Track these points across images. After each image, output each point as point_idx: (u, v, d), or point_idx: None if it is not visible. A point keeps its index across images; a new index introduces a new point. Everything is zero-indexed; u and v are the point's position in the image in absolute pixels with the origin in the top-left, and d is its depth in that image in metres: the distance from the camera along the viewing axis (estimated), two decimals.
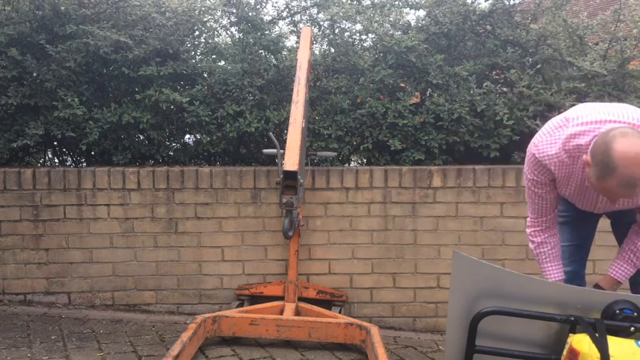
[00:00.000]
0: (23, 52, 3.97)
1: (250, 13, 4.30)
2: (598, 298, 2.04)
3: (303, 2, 4.68)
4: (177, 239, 3.91)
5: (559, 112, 3.83)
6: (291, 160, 2.86)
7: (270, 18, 4.64)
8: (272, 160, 4.10)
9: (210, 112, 4.07)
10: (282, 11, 4.73)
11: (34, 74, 4.03)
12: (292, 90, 3.31)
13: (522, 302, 2.05)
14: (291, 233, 3.06)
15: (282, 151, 3.22)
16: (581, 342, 1.95)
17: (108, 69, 4.19)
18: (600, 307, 2.02)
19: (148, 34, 4.10)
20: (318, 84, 4.23)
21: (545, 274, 2.38)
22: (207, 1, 4.49)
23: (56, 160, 4.71)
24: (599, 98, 3.82)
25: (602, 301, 2.03)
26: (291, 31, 4.61)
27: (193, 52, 4.49)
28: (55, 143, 4.48)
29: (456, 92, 3.98)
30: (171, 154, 4.32)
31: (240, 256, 3.92)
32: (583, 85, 3.83)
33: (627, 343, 1.92)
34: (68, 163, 4.60)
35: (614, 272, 2.22)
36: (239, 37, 4.47)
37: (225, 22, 4.63)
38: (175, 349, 2.87)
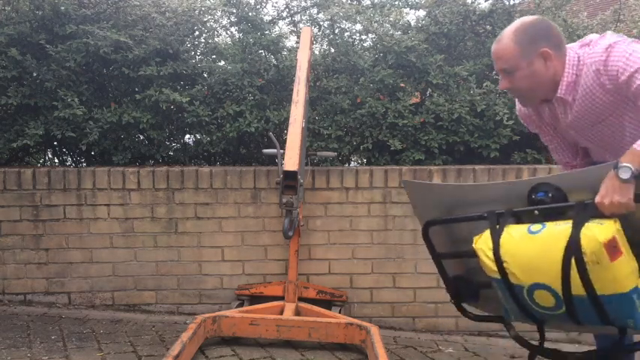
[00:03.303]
0: (23, 52, 3.97)
1: (250, 13, 4.30)
2: (522, 187, 1.97)
3: (303, 2, 4.68)
4: (177, 239, 3.91)
5: None
6: (291, 160, 2.87)
7: (270, 18, 4.64)
8: (272, 160, 4.10)
9: (210, 112, 4.07)
10: (282, 11, 4.73)
11: (34, 74, 4.03)
12: (292, 90, 3.31)
13: (465, 208, 2.09)
14: (291, 233, 3.06)
15: (282, 151, 3.22)
16: (478, 238, 1.98)
17: (108, 69, 4.20)
18: (525, 196, 1.98)
19: (148, 34, 4.11)
20: (318, 84, 4.23)
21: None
22: (207, 1, 4.49)
23: (56, 160, 4.71)
24: None
25: (526, 189, 1.97)
26: (291, 31, 4.62)
27: (193, 52, 4.49)
28: (55, 143, 4.48)
29: (456, 92, 3.98)
30: (171, 154, 4.32)
31: (240, 256, 3.92)
32: None
33: (519, 229, 1.88)
34: (68, 163, 4.60)
35: (637, 142, 1.75)
36: (239, 37, 4.48)
37: (225, 22, 4.64)
38: (175, 349, 2.87)
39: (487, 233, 1.94)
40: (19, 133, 4.03)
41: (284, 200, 2.84)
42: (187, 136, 4.40)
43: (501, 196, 2.00)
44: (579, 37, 4.10)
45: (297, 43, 4.16)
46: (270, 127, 4.06)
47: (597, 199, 1.73)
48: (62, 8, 4.02)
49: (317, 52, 4.41)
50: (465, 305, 2.31)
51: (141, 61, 4.05)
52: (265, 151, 3.83)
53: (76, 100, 3.94)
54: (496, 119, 3.88)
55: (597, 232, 1.69)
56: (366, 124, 4.06)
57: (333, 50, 4.33)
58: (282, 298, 3.68)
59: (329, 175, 3.90)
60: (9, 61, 3.96)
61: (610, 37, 1.92)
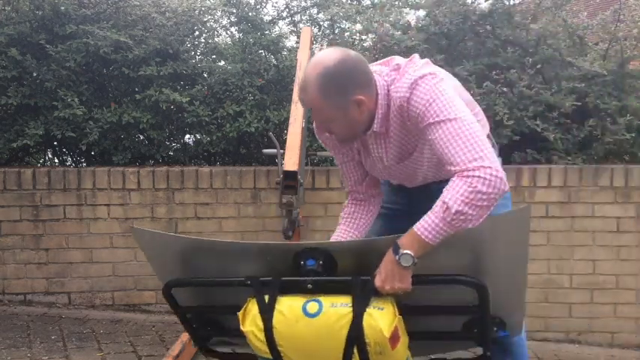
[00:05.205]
0: (23, 52, 3.97)
1: (250, 13, 4.30)
2: (288, 250, 1.76)
3: (303, 2, 4.69)
4: None
5: (559, 112, 3.84)
6: (291, 160, 2.87)
7: (270, 18, 4.65)
8: (272, 160, 4.09)
9: (210, 112, 4.07)
10: (282, 11, 4.74)
11: (34, 74, 4.03)
12: (292, 90, 3.31)
13: (218, 266, 1.80)
14: (291, 233, 3.06)
15: (282, 151, 3.22)
16: (244, 315, 1.71)
17: (108, 69, 4.20)
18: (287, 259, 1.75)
19: (148, 34, 4.11)
20: None
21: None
22: (207, 1, 4.49)
23: (56, 160, 4.71)
24: (600, 98, 3.82)
25: (292, 254, 1.74)
26: (291, 31, 4.62)
27: (193, 52, 4.49)
28: (55, 143, 4.48)
29: None
30: (171, 154, 4.32)
31: None
32: (583, 85, 3.83)
33: (292, 309, 1.66)
34: (68, 163, 4.60)
35: (417, 224, 1.65)
36: (239, 37, 4.48)
37: (225, 22, 4.65)
38: (175, 349, 2.87)
39: (255, 310, 1.68)
40: (19, 133, 4.03)
41: (284, 200, 2.84)
42: (187, 136, 4.40)
43: (258, 257, 1.77)
44: (579, 37, 4.10)
45: (297, 43, 4.16)
46: (270, 127, 4.06)
47: (378, 283, 1.64)
48: (62, 8, 4.02)
49: (317, 52, 4.40)
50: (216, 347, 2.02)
51: (141, 61, 4.05)
52: (265, 151, 3.82)
53: (76, 100, 3.94)
54: (496, 119, 3.87)
55: (381, 323, 1.60)
56: None
57: None
58: None
59: (329, 175, 3.90)
60: (9, 61, 3.96)
61: (418, 66, 1.78)
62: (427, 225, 1.61)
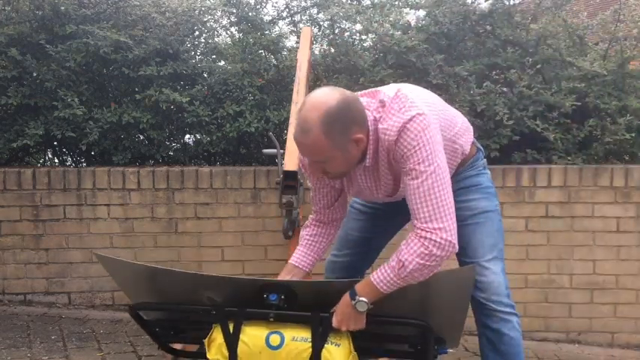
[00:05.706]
0: (23, 52, 3.98)
1: (250, 13, 4.30)
2: (253, 284, 1.88)
3: (303, 2, 4.68)
4: (177, 239, 3.91)
5: (559, 112, 3.85)
6: (291, 160, 2.87)
7: (270, 18, 4.65)
8: (272, 160, 4.09)
9: (210, 112, 4.07)
10: (282, 11, 4.74)
11: (34, 74, 4.03)
12: (292, 90, 3.31)
13: (185, 291, 1.93)
14: (291, 233, 3.06)
15: (282, 151, 3.22)
16: (209, 343, 1.84)
17: (108, 69, 4.20)
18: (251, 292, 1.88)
19: (148, 34, 4.11)
20: (318, 84, 4.23)
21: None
22: (207, 1, 4.49)
23: (56, 160, 4.72)
24: (600, 98, 3.82)
25: (255, 288, 1.87)
26: (291, 31, 4.62)
27: (193, 52, 4.49)
28: (55, 143, 4.48)
29: (456, 92, 3.97)
30: (171, 154, 4.32)
31: (240, 256, 3.92)
32: (583, 85, 3.83)
33: (256, 340, 1.79)
34: (68, 163, 4.60)
35: (374, 275, 1.81)
36: (239, 37, 4.48)
37: (225, 22, 4.64)
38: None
39: (220, 339, 1.81)
40: (19, 133, 4.03)
41: (284, 200, 2.84)
42: (187, 136, 4.40)
43: (224, 288, 1.88)
44: (579, 37, 4.10)
45: (297, 43, 4.16)
46: (270, 127, 4.06)
47: (335, 323, 1.79)
48: (62, 8, 4.02)
49: (317, 52, 4.40)
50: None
51: (141, 61, 4.06)
52: (265, 151, 3.82)
53: (76, 100, 3.94)
54: (496, 119, 3.88)
55: (337, 358, 1.77)
56: None
57: (333, 50, 4.33)
58: None
59: None
60: (9, 61, 3.97)
61: (404, 104, 1.81)
62: (383, 277, 1.77)
